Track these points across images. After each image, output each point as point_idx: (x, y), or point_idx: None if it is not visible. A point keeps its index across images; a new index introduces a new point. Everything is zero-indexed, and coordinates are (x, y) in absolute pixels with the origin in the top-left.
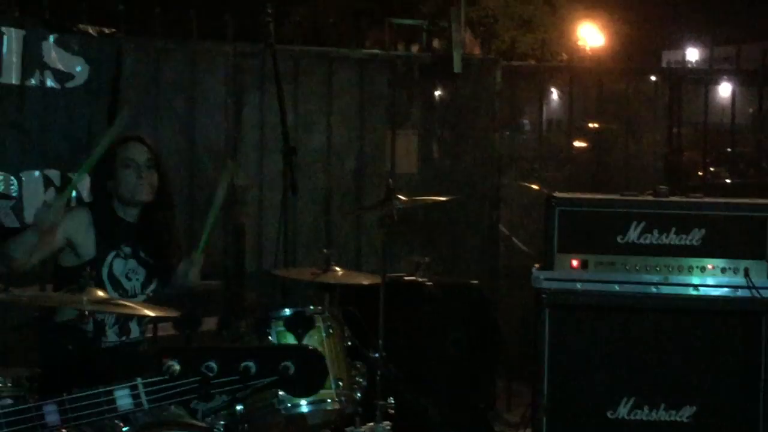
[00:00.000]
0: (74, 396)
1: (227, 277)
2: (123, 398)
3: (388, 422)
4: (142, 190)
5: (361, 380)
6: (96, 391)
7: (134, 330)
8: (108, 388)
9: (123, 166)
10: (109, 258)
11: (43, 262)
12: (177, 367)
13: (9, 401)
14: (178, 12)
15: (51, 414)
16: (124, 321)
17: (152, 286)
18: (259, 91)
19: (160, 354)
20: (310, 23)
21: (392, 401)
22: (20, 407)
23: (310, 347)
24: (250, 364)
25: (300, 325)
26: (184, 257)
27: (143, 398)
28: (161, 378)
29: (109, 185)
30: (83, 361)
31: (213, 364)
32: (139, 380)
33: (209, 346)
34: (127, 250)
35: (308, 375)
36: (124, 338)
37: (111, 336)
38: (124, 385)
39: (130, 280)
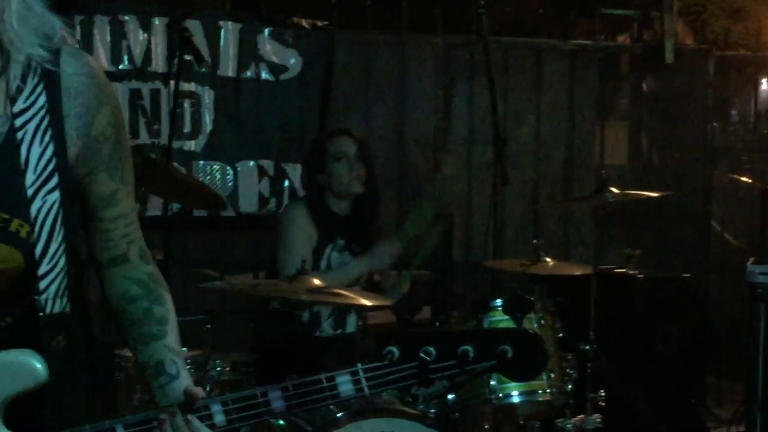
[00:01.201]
0: (298, 382)
1: (436, 268)
2: (344, 384)
3: (598, 415)
4: (355, 183)
5: (571, 372)
6: (318, 377)
7: (350, 323)
8: (330, 374)
9: (334, 160)
10: (327, 251)
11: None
12: (396, 352)
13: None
14: (390, 4)
15: (276, 400)
16: (340, 313)
17: (363, 278)
18: (469, 82)
19: (379, 340)
20: (516, 14)
21: (603, 394)
22: (248, 393)
23: (530, 331)
24: (468, 348)
25: (519, 308)
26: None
27: (364, 384)
28: (381, 363)
29: (321, 179)
30: (298, 349)
31: (431, 349)
32: (359, 366)
33: (427, 331)
34: (342, 242)
35: (527, 359)
36: (339, 331)
37: (326, 328)
38: (345, 371)
39: None
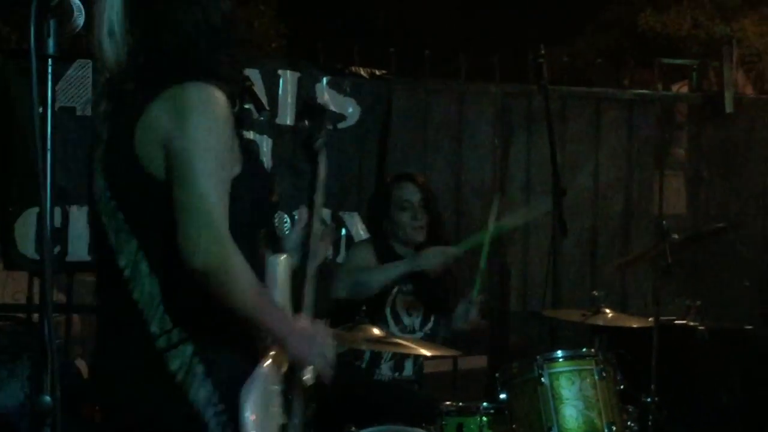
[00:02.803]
0: None
1: (492, 318)
2: None
3: None
4: (418, 233)
5: (632, 425)
6: None
7: (408, 368)
8: None
9: (399, 208)
10: (394, 293)
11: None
12: None
13: None
14: (447, 53)
15: None
16: (400, 357)
17: (430, 324)
18: (526, 131)
19: None
20: (573, 63)
21: None
22: None
23: None
24: None
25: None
26: (461, 297)
27: None
28: None
29: (385, 224)
30: (356, 394)
31: None
32: None
33: None
34: (409, 286)
35: None
36: (397, 374)
37: (385, 370)
38: None
39: (410, 315)
